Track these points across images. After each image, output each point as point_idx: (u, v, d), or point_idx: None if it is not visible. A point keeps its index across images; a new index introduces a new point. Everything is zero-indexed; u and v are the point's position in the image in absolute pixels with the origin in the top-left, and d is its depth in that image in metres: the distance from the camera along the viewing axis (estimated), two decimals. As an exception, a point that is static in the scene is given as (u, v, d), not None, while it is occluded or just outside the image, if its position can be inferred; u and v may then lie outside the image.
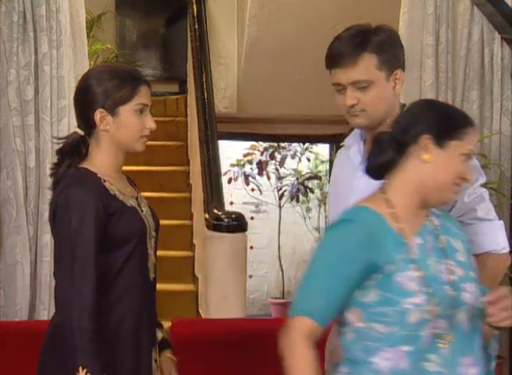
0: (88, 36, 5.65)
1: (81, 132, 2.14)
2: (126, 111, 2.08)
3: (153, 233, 2.17)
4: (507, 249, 2.16)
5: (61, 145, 2.17)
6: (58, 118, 3.65)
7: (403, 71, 2.21)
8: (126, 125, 2.09)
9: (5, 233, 3.62)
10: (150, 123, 2.12)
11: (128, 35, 7.54)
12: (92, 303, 1.96)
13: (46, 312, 3.60)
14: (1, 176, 3.63)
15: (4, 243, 3.63)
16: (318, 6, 6.04)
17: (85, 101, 2.11)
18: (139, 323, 2.09)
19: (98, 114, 2.07)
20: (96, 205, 2.00)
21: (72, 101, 3.59)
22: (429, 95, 3.67)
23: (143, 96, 2.10)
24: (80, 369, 1.93)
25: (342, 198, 2.21)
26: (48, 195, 3.61)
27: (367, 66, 2.10)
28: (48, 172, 3.54)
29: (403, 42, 3.62)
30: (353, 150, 2.25)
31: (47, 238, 3.60)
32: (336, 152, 2.40)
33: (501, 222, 2.18)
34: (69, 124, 3.64)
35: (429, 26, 3.67)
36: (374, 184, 1.96)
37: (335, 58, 2.10)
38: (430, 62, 3.68)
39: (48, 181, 3.54)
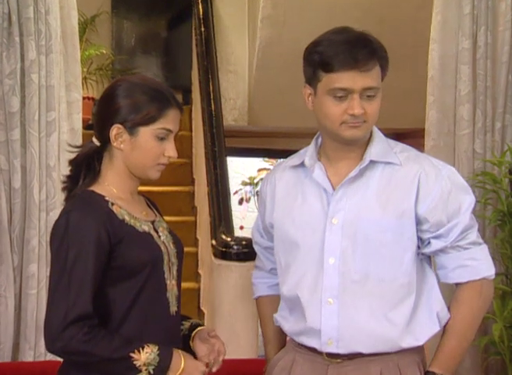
0: (81, 40, 5.68)
1: (98, 143, 2.14)
2: (146, 133, 2.08)
3: (173, 261, 2.16)
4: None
5: (74, 155, 2.17)
6: (47, 132, 3.63)
7: None
8: (142, 148, 2.09)
9: (-15, 262, 3.60)
10: (170, 151, 2.10)
11: (125, 39, 7.61)
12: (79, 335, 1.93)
13: (32, 352, 3.57)
14: (-18, 199, 3.61)
15: (-15, 274, 3.60)
16: (338, 6, 6.02)
17: (105, 113, 2.11)
18: None
19: (114, 130, 2.08)
20: (98, 233, 1.99)
21: (62, 114, 3.69)
22: (465, 106, 3.65)
23: (169, 120, 2.09)
24: (133, 354, 1.95)
25: (307, 231, 2.24)
26: (35, 220, 3.59)
27: (377, 73, 2.16)
28: (36, 193, 3.57)
29: (435, 46, 3.70)
30: (318, 172, 2.27)
31: (33, 268, 3.58)
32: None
33: (485, 245, 2.26)
34: (59, 139, 3.66)
35: (466, 29, 3.64)
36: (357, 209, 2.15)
37: (348, 59, 2.10)
38: (466, 69, 3.65)
39: (36, 204, 3.58)
